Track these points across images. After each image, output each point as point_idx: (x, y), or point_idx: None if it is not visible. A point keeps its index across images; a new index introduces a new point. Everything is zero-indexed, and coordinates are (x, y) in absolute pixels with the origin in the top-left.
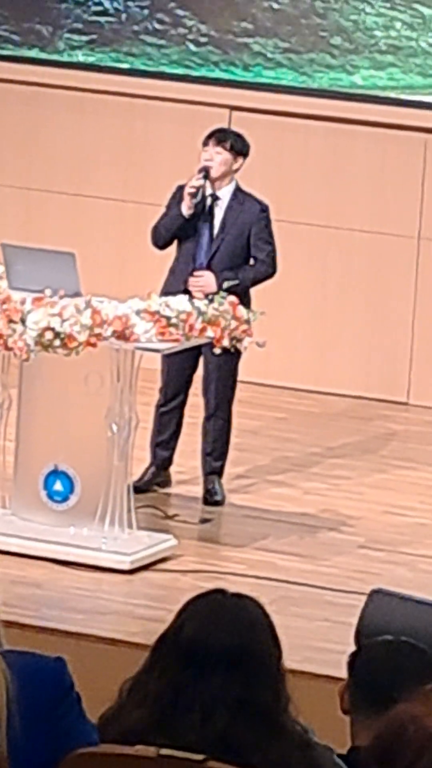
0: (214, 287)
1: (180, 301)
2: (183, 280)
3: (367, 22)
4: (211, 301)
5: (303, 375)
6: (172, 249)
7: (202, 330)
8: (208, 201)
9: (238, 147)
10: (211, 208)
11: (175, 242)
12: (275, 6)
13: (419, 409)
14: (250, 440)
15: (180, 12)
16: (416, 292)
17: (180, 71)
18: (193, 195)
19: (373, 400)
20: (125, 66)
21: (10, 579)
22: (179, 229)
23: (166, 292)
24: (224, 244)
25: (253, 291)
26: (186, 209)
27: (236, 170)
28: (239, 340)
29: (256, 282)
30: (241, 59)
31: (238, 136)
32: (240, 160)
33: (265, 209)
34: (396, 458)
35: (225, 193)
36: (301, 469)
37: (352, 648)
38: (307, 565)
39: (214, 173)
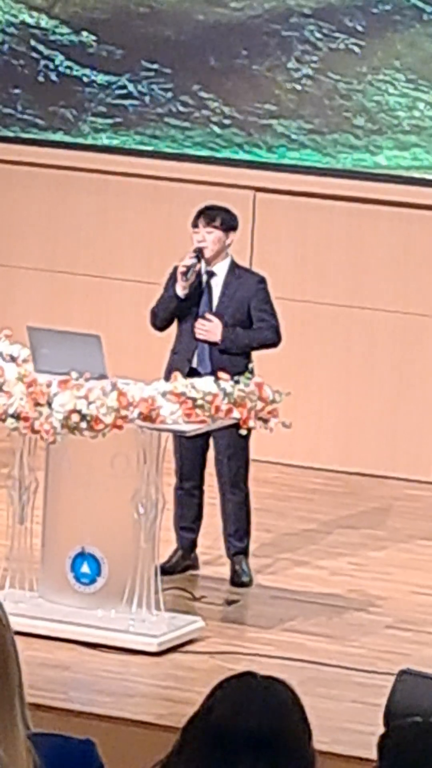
0: (218, 336)
1: (206, 383)
2: (186, 358)
3: (390, 102)
4: (237, 382)
5: (328, 455)
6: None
7: (228, 411)
8: (204, 278)
9: (229, 223)
10: (208, 284)
11: (175, 322)
12: (298, 87)
13: None
14: (276, 521)
15: (204, 94)
16: None
17: (204, 153)
18: (185, 274)
19: (398, 479)
20: (149, 148)
21: (38, 662)
22: (176, 309)
23: (169, 371)
24: (224, 319)
25: (278, 371)
26: (180, 290)
27: (229, 245)
28: (265, 421)
29: (260, 345)
30: (264, 140)
31: (227, 211)
32: (231, 234)
33: (262, 281)
34: (423, 538)
35: (221, 268)
36: (327, 549)
37: (381, 729)
38: (335, 645)
39: (208, 254)
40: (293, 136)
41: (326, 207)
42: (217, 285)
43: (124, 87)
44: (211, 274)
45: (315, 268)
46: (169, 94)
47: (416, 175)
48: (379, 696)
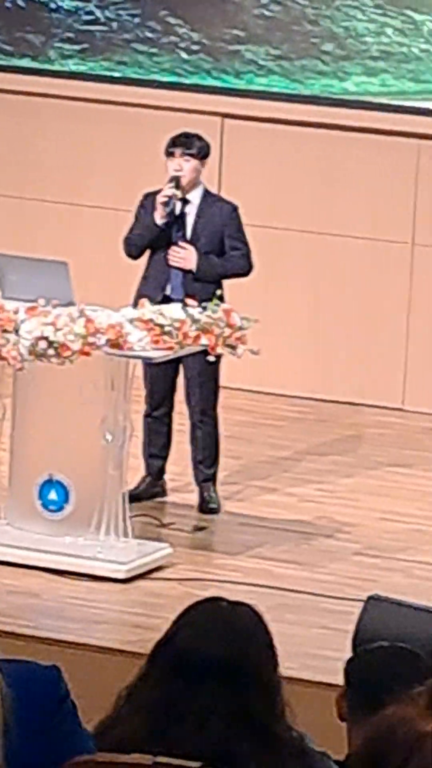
0: (192, 264)
1: (174, 309)
2: (159, 285)
3: (358, 28)
4: (205, 308)
5: (297, 382)
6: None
7: (196, 338)
8: (179, 206)
9: (204, 151)
10: (182, 212)
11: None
12: (266, 13)
13: (414, 415)
14: (245, 448)
15: (171, 20)
16: (411, 298)
17: (172, 79)
18: (165, 204)
19: (369, 407)
20: (117, 75)
21: (5, 589)
22: (154, 238)
23: (139, 298)
24: (198, 247)
25: (248, 299)
26: (159, 218)
27: (201, 172)
28: (233, 348)
29: (233, 274)
30: (232, 67)
31: (201, 139)
32: (206, 162)
33: (235, 209)
34: (392, 464)
35: (194, 196)
36: (296, 476)
37: (349, 655)
38: (303, 572)
39: (184, 182)
40: (261, 62)
41: (294, 133)
42: (191, 213)
43: (92, 13)
44: (185, 202)
45: (283, 194)
46: (137, 20)
47: (384, 101)
48: (347, 622)
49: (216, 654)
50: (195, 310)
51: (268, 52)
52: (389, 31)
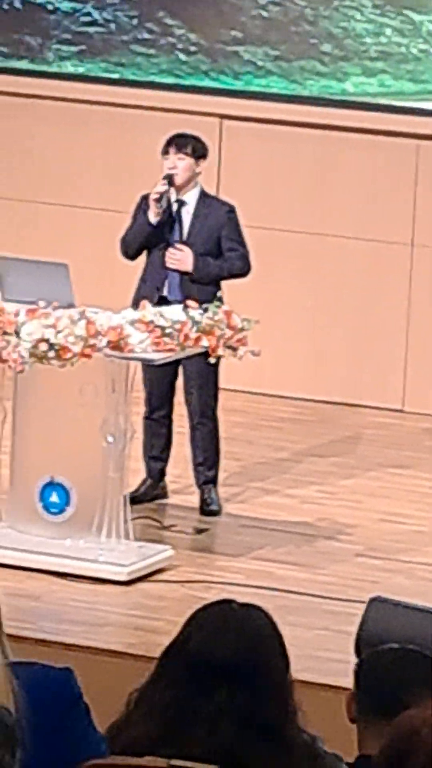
0: (189, 266)
1: (174, 311)
2: (156, 287)
3: (357, 28)
4: (206, 310)
5: (297, 383)
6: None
7: (197, 339)
8: (175, 207)
9: (199, 151)
10: (179, 213)
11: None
12: (265, 14)
13: (414, 416)
14: (246, 449)
15: (169, 21)
16: (410, 299)
17: (170, 80)
18: (158, 201)
19: (368, 408)
20: (115, 76)
21: (7, 592)
22: (148, 237)
23: (137, 299)
24: (194, 248)
25: (246, 300)
26: (153, 216)
27: (199, 173)
28: (234, 349)
29: (232, 275)
30: (230, 68)
31: (197, 139)
32: (202, 163)
33: (232, 210)
34: (392, 465)
35: (191, 197)
36: (297, 477)
37: (352, 657)
38: (304, 574)
39: (178, 180)
40: (259, 63)
41: (293, 134)
42: (187, 214)
43: (89, 14)
44: (181, 203)
45: (282, 195)
46: (135, 21)
47: (383, 101)
48: (350, 624)
49: (228, 657)
50: (196, 312)
51: (266, 52)
52: (388, 31)
